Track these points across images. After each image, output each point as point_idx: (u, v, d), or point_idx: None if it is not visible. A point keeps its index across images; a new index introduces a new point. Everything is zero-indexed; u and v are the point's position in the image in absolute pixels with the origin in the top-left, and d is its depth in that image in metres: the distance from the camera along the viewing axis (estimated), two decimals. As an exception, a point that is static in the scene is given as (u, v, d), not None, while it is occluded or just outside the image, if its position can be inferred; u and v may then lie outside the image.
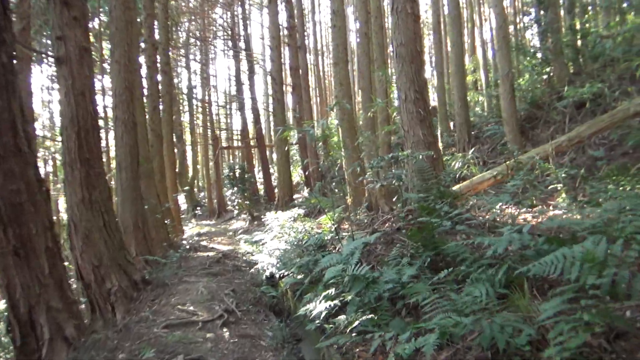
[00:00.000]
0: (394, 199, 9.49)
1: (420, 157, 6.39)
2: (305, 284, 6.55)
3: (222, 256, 10.06)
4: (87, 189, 6.06)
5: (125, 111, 8.83)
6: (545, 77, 14.68)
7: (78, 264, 6.06)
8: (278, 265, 7.94)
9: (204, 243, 14.08)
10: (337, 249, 7.45)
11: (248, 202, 22.37)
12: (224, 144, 34.78)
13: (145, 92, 13.47)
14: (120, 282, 6.24)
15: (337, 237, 7.49)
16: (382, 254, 6.02)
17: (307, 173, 21.76)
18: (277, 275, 7.96)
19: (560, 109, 11.88)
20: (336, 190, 14.35)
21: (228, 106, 32.46)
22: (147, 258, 8.16)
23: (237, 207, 24.51)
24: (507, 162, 8.32)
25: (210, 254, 10.56)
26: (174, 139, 29.01)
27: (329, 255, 5.95)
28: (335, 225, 9.02)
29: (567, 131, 10.27)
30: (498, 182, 8.34)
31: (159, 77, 14.78)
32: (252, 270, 8.73)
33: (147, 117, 14.03)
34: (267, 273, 8.08)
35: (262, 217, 21.33)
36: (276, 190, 22.11)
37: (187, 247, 11.61)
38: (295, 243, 8.52)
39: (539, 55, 15.33)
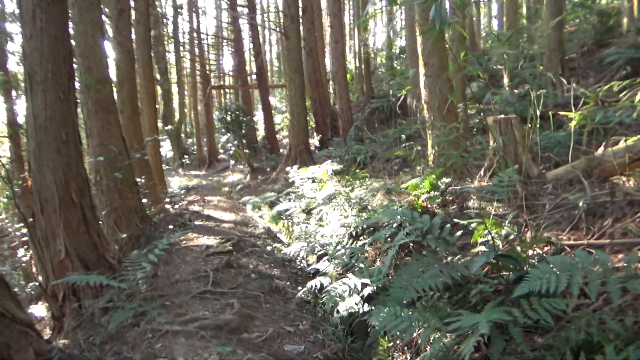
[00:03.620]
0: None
1: None
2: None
3: (231, 247, 5.92)
4: None
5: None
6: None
7: None
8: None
9: (195, 208, 9.95)
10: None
11: (247, 151, 18.20)
12: (216, 84, 30.14)
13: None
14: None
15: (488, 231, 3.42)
16: None
17: (318, 116, 17.56)
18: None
19: None
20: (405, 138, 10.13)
21: (220, 38, 27.41)
22: (80, 280, 3.87)
23: (232, 157, 20.38)
24: None
25: (209, 240, 6.40)
26: (157, 76, 24.37)
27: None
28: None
29: None
30: None
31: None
32: (306, 296, 4.65)
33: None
34: (345, 307, 3.89)
35: (267, 169, 17.41)
36: (286, 139, 17.85)
37: (172, 226, 7.42)
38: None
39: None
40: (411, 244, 4.49)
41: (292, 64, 14.27)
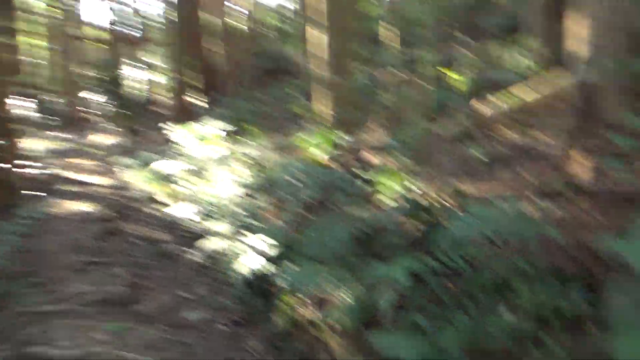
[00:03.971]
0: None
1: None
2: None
3: (112, 213, 5.24)
4: None
5: None
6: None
7: None
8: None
9: (65, 174, 8.85)
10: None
11: (121, 111, 16.69)
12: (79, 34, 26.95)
13: None
14: None
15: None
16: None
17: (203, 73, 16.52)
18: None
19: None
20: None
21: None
22: None
23: (105, 117, 18.65)
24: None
25: (85, 207, 5.64)
26: None
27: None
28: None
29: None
30: None
31: None
32: (198, 255, 4.25)
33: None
34: (248, 269, 3.65)
35: (144, 130, 16.13)
36: (165, 98, 16.65)
37: (38, 193, 6.39)
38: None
39: None
40: (313, 201, 4.36)
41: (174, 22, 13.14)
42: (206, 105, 15.41)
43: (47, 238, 4.57)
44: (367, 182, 3.98)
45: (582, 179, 3.25)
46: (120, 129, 17.35)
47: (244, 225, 4.50)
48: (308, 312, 3.45)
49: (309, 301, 3.44)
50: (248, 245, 3.82)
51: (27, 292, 3.22)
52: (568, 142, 3.56)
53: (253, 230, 4.42)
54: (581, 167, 3.38)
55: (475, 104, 5.29)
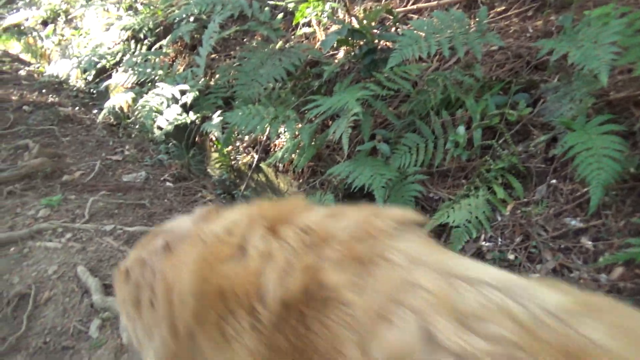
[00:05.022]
0: None
1: None
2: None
3: None
4: None
5: None
6: None
7: None
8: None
9: None
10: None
11: None
12: None
13: None
14: None
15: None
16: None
17: None
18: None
19: None
20: None
21: None
22: None
23: None
24: None
25: None
26: None
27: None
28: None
29: None
30: None
31: None
32: (104, 114, 3.67)
33: None
34: (166, 121, 3.24)
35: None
36: None
37: None
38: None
39: None
40: (227, 35, 3.92)
41: None
42: None
43: None
44: (284, 8, 3.61)
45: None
46: None
47: (144, 73, 4.00)
48: (245, 157, 3.34)
49: (247, 145, 3.31)
50: (162, 96, 3.43)
51: None
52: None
53: (157, 79, 3.96)
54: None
55: None
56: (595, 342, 0.50)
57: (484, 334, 0.52)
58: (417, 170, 2.40)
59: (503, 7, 2.89)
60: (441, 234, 2.29)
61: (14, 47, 6.91)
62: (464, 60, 2.65)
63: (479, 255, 2.14)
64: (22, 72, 5.08)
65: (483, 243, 2.15)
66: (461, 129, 2.35)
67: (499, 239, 2.15)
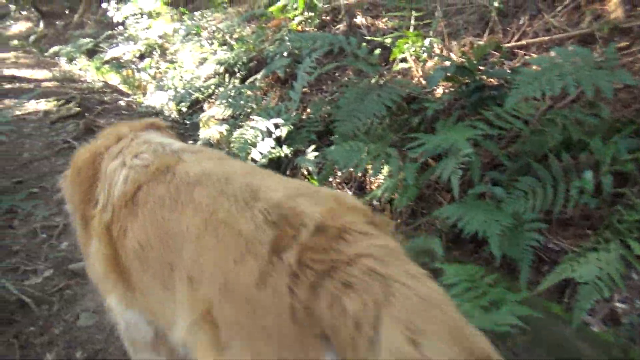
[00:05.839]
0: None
1: None
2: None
3: (78, 108, 4.54)
4: None
5: None
6: None
7: None
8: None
9: (4, 71, 7.71)
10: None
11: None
12: None
13: None
14: None
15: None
16: None
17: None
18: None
19: None
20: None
21: None
22: None
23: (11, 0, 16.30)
24: None
25: (41, 104, 4.84)
26: None
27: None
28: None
29: None
30: None
31: None
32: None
33: None
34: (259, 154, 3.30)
35: (63, 12, 14.14)
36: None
37: None
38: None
39: None
40: (321, 72, 3.92)
41: None
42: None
43: (16, 144, 3.98)
44: (379, 44, 3.58)
45: (616, 17, 3.00)
46: (34, 14, 15.25)
47: (238, 106, 4.09)
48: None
49: (341, 181, 3.25)
50: (257, 129, 3.47)
51: (30, 206, 2.80)
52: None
53: (250, 112, 4.04)
54: (609, 3, 3.11)
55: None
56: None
57: None
58: (535, 218, 2.20)
59: (626, 43, 2.67)
60: (564, 289, 2.07)
61: (113, 79, 7.38)
62: (584, 100, 2.45)
63: (613, 318, 1.90)
64: (122, 103, 5.39)
65: (617, 304, 1.91)
66: (588, 174, 2.13)
67: (637, 301, 1.90)
